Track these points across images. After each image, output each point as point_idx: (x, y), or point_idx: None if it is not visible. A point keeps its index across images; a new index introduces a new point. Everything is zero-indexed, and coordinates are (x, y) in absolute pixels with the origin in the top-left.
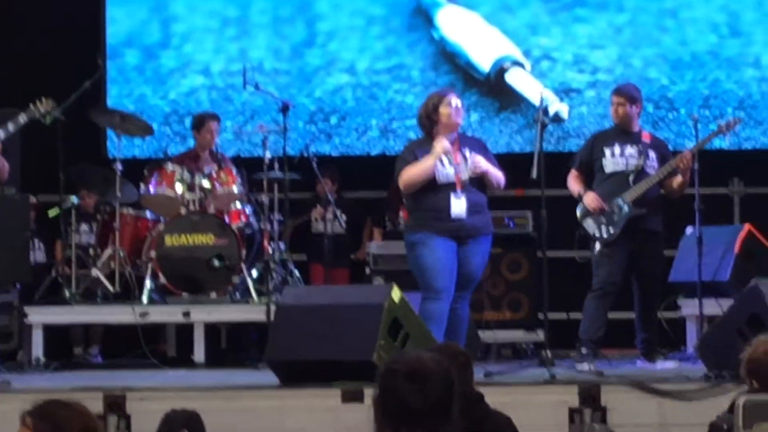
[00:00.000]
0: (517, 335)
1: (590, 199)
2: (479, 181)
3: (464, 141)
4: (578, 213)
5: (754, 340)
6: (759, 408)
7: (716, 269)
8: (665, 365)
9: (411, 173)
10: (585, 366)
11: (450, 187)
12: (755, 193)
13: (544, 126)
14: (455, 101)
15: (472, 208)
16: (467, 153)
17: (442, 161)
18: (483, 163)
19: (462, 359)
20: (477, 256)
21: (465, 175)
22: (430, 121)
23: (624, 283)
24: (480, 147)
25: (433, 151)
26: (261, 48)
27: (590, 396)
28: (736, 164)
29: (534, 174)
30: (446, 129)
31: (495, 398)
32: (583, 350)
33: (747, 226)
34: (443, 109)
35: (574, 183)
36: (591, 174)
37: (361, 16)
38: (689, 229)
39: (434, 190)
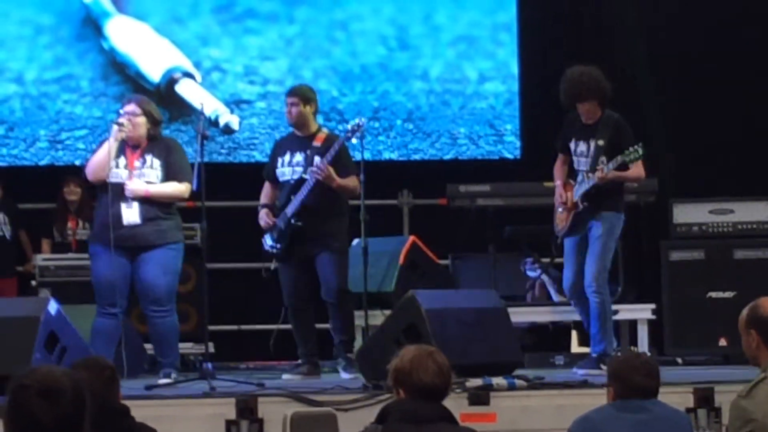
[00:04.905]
0: (185, 347)
1: (261, 216)
2: None
3: (153, 149)
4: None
5: (401, 350)
6: (306, 420)
7: (381, 280)
8: (344, 375)
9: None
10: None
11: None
12: (423, 204)
13: (205, 138)
14: (130, 107)
15: (145, 216)
16: (150, 160)
17: (118, 164)
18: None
19: (108, 373)
20: (149, 266)
21: (142, 187)
22: None
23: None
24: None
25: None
26: None
27: (247, 408)
28: (405, 175)
29: (194, 185)
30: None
31: (153, 411)
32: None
33: (412, 238)
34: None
35: (263, 195)
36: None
37: (29, 26)
38: (356, 240)
39: (107, 195)
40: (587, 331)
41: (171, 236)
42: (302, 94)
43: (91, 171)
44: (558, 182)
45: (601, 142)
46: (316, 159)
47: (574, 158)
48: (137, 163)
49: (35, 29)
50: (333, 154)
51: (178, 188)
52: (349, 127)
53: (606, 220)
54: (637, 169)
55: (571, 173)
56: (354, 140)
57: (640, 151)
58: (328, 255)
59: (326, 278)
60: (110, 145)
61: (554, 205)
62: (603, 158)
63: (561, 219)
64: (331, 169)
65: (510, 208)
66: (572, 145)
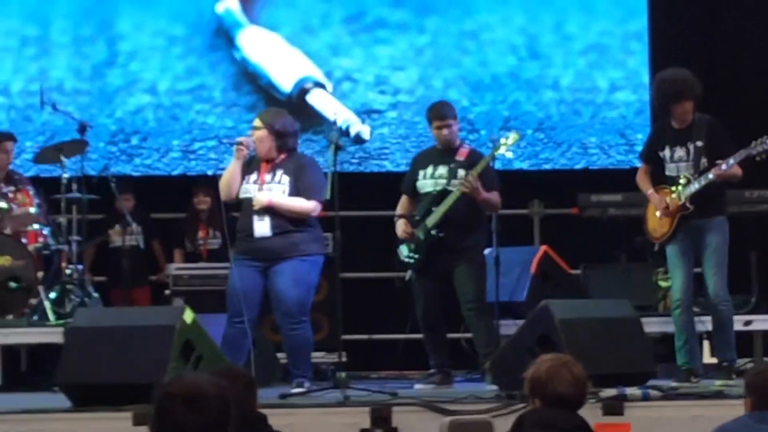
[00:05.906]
0: (318, 356)
1: (398, 226)
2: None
3: (285, 164)
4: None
5: (537, 359)
6: (462, 429)
7: (513, 290)
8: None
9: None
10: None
11: (251, 206)
12: (555, 213)
13: (338, 148)
14: (254, 122)
15: (276, 229)
16: (280, 175)
17: (249, 179)
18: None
19: (244, 381)
20: (280, 278)
21: (266, 197)
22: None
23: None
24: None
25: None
26: (61, 68)
27: (381, 417)
28: (536, 185)
29: (327, 195)
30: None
31: (287, 420)
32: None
33: (543, 248)
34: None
35: (399, 206)
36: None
37: (162, 36)
38: (487, 250)
39: (240, 208)
40: (683, 345)
41: (305, 248)
42: (455, 114)
43: (221, 190)
44: (650, 190)
45: (699, 144)
46: (460, 172)
47: (670, 165)
48: (267, 177)
49: (168, 40)
50: (484, 165)
51: (305, 205)
52: (500, 144)
53: (719, 230)
54: (737, 168)
55: (655, 182)
56: (510, 154)
57: None
58: (466, 267)
59: (464, 291)
60: (233, 166)
61: (645, 213)
62: (704, 160)
63: (662, 225)
64: (479, 182)
65: (642, 217)
66: (666, 153)
